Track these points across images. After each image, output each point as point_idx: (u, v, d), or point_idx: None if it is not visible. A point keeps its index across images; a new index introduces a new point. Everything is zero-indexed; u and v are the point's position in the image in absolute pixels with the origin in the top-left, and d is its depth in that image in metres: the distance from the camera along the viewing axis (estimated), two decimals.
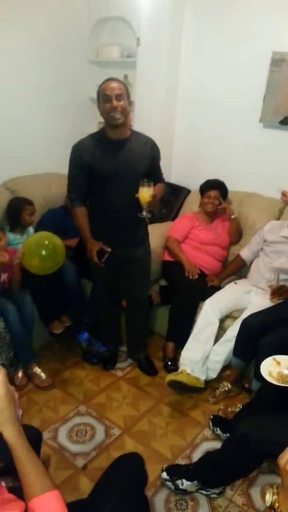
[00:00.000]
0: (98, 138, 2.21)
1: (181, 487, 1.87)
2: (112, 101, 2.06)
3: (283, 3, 2.69)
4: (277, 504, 1.03)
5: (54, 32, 3.15)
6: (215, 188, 2.93)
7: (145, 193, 2.11)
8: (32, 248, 2.39)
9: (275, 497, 1.04)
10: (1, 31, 2.85)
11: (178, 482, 1.88)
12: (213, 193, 2.91)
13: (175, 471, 1.92)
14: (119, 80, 2.12)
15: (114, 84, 2.07)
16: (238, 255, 2.84)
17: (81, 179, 2.22)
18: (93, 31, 3.41)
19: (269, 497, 1.05)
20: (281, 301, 2.43)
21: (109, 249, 2.27)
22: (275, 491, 1.05)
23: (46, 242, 2.40)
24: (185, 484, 1.87)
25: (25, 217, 2.77)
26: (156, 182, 2.32)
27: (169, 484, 1.89)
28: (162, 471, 1.93)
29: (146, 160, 2.24)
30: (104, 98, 2.08)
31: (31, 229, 2.86)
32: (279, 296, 2.43)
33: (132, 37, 3.20)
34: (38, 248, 2.38)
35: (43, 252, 2.37)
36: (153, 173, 2.30)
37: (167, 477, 1.90)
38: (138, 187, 2.13)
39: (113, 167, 2.16)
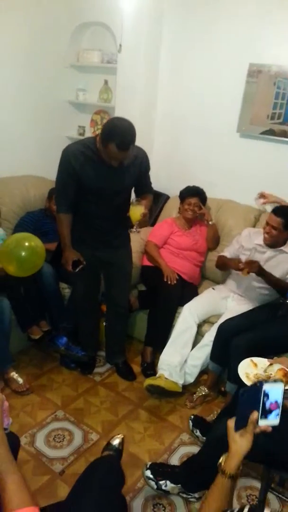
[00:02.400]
0: (90, 150, 2.11)
1: (164, 488, 1.88)
2: (118, 161, 2.04)
3: (259, 17, 2.78)
4: (223, 465, 1.15)
5: (33, 36, 3.13)
6: (195, 195, 2.97)
7: (137, 212, 2.16)
8: (11, 249, 2.36)
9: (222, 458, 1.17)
10: None
11: (162, 482, 1.88)
12: (193, 200, 2.96)
13: (160, 472, 1.92)
14: (132, 143, 1.97)
15: (126, 155, 2.01)
16: (220, 256, 2.84)
17: (69, 185, 2.19)
18: (74, 35, 3.42)
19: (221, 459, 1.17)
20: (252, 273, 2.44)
21: (84, 262, 2.30)
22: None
23: (26, 244, 2.37)
24: (168, 486, 1.88)
25: None
26: (145, 192, 2.35)
27: (152, 483, 1.89)
28: (146, 468, 1.92)
29: (134, 175, 2.23)
30: (112, 154, 1.98)
31: (0, 231, 2.76)
32: (250, 268, 2.42)
33: (112, 43, 3.23)
34: (18, 249, 2.34)
35: (22, 254, 2.33)
36: (142, 184, 2.32)
37: (151, 476, 1.90)
38: (123, 200, 2.18)
39: (100, 182, 2.15)
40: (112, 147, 1.94)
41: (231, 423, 1.15)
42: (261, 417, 1.06)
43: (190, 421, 2.29)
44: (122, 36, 3.05)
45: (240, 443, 1.12)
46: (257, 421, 1.06)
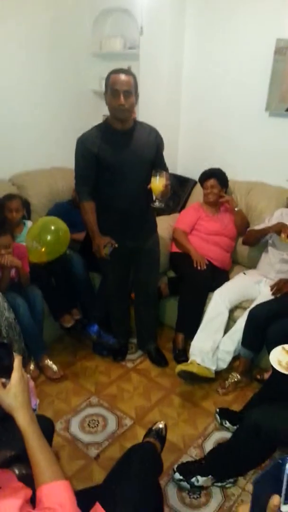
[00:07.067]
0: (103, 129, 2.20)
1: (196, 484, 1.86)
2: (120, 97, 2.03)
3: None
4: None
5: (56, 26, 3.16)
6: (211, 176, 2.93)
7: (158, 183, 2.10)
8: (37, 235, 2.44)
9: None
10: (3, 28, 2.84)
11: (193, 479, 1.86)
12: (210, 182, 2.91)
13: (188, 469, 1.90)
14: (130, 73, 2.07)
15: (124, 78, 2.02)
16: (250, 230, 2.81)
17: (89, 171, 2.21)
18: (96, 23, 3.41)
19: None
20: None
21: (116, 245, 2.28)
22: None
23: (52, 227, 2.46)
24: (200, 480, 1.86)
25: (6, 215, 2.64)
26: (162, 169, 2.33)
27: (184, 484, 1.87)
28: (174, 472, 1.91)
29: (152, 148, 2.25)
30: (112, 92, 2.05)
31: (29, 224, 2.80)
32: (281, 291, 2.44)
33: (134, 28, 3.19)
34: (44, 234, 2.42)
35: (48, 238, 2.41)
36: (158, 162, 2.30)
37: (181, 477, 1.88)
38: (145, 176, 2.14)
39: (120, 156, 2.16)
40: (111, 77, 2.05)
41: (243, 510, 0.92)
42: (285, 502, 0.79)
43: (217, 415, 2.25)
44: (143, 18, 3.00)
45: None
46: (279, 508, 0.80)
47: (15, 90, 3.03)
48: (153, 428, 1.89)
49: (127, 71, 2.09)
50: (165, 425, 1.91)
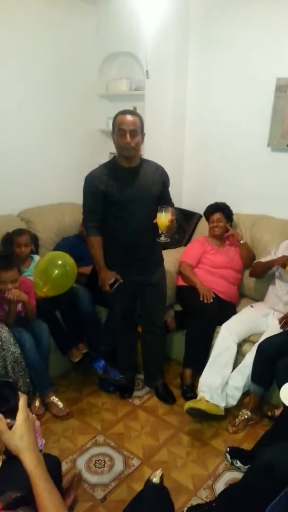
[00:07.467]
0: (111, 167, 2.26)
1: None
2: (126, 137, 2.10)
3: (285, 30, 2.78)
4: None
5: (65, 69, 3.29)
6: (216, 210, 2.97)
7: (164, 218, 2.14)
8: (43, 270, 2.43)
9: None
10: (13, 67, 2.97)
11: None
12: (215, 216, 2.95)
13: None
14: (135, 114, 2.16)
15: (129, 119, 2.11)
16: (256, 262, 2.82)
17: (97, 207, 2.26)
18: (102, 66, 3.55)
19: None
20: None
21: (121, 280, 2.29)
22: None
23: (60, 262, 2.45)
24: None
25: (16, 250, 2.67)
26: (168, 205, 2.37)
27: None
28: None
29: (158, 185, 2.30)
30: (118, 132, 2.13)
31: (37, 258, 2.82)
32: None
33: (139, 70, 3.32)
34: (51, 268, 2.41)
35: (55, 272, 2.41)
36: (164, 198, 2.34)
37: None
38: (151, 211, 2.17)
39: (127, 193, 2.21)
40: (118, 118, 2.13)
41: None
42: None
43: (227, 454, 2.17)
44: (148, 61, 3.14)
45: None
46: None
47: (25, 129, 3.14)
48: (150, 479, 1.81)
49: (133, 112, 2.17)
50: (162, 476, 1.82)
